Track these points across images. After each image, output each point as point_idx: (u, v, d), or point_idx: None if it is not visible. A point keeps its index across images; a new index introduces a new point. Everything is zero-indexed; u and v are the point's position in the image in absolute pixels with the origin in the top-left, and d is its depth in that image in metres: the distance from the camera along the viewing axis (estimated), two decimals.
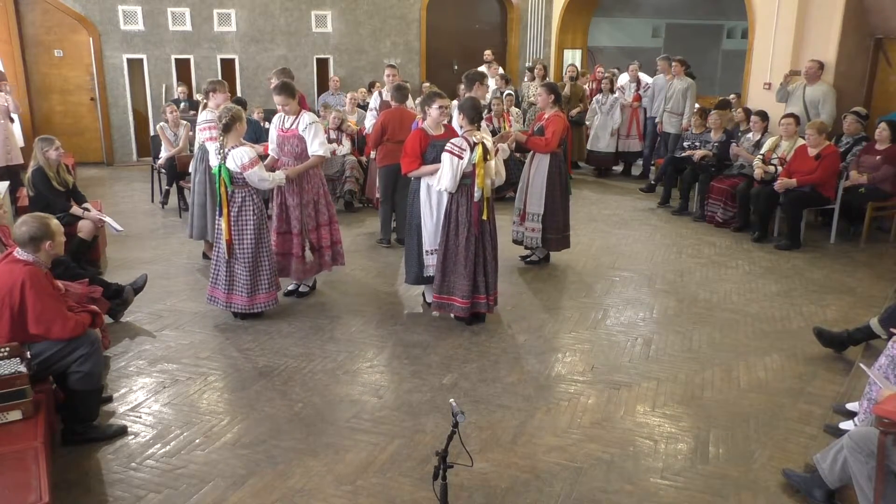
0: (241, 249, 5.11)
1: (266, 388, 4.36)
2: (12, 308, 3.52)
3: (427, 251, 5.32)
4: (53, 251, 3.73)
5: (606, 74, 11.08)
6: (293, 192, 5.49)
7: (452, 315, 5.32)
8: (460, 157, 4.88)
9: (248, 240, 5.11)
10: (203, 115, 6.19)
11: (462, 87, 7.02)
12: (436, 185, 5.04)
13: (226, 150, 4.97)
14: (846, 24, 8.29)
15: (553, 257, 6.81)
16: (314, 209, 5.61)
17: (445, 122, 5.47)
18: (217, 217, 5.20)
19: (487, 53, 12.42)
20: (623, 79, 11.13)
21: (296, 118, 5.50)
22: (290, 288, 5.84)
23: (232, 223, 5.06)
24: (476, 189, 4.94)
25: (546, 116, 6.37)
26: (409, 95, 7.44)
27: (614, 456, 3.70)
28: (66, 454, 3.67)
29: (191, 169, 6.73)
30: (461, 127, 5.10)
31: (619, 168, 11.11)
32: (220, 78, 11.41)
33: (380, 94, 7.83)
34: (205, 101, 6.38)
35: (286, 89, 5.43)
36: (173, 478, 3.47)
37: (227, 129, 4.96)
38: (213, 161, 5.06)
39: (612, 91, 10.50)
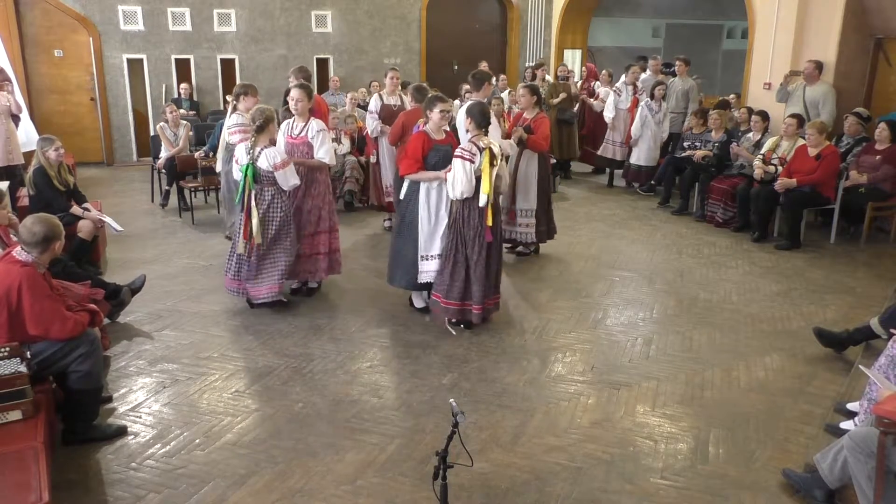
0: (263, 242, 5.28)
1: (266, 389, 4.36)
2: (10, 309, 3.52)
3: (422, 256, 5.18)
4: (57, 251, 3.74)
5: (660, 79, 9.74)
6: (299, 197, 5.52)
7: (451, 322, 5.19)
8: (472, 161, 4.78)
9: (271, 234, 5.30)
10: (233, 119, 6.35)
11: (467, 86, 7.12)
12: (451, 194, 4.89)
13: (258, 149, 5.15)
14: (846, 24, 8.29)
15: (553, 257, 6.82)
16: (317, 216, 5.63)
17: (447, 126, 5.32)
18: (238, 212, 5.30)
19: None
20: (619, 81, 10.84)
21: (305, 125, 5.56)
22: (293, 286, 5.85)
23: (255, 218, 5.20)
24: (482, 195, 4.83)
25: (529, 117, 6.59)
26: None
27: (614, 456, 3.70)
28: (66, 454, 3.67)
29: (218, 169, 6.94)
30: (467, 131, 4.98)
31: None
32: (219, 73, 11.54)
33: (380, 96, 7.65)
34: (234, 103, 6.47)
35: (306, 88, 5.59)
36: (173, 478, 3.48)
37: (260, 129, 5.17)
38: (243, 159, 5.19)
39: (664, 98, 9.41)
